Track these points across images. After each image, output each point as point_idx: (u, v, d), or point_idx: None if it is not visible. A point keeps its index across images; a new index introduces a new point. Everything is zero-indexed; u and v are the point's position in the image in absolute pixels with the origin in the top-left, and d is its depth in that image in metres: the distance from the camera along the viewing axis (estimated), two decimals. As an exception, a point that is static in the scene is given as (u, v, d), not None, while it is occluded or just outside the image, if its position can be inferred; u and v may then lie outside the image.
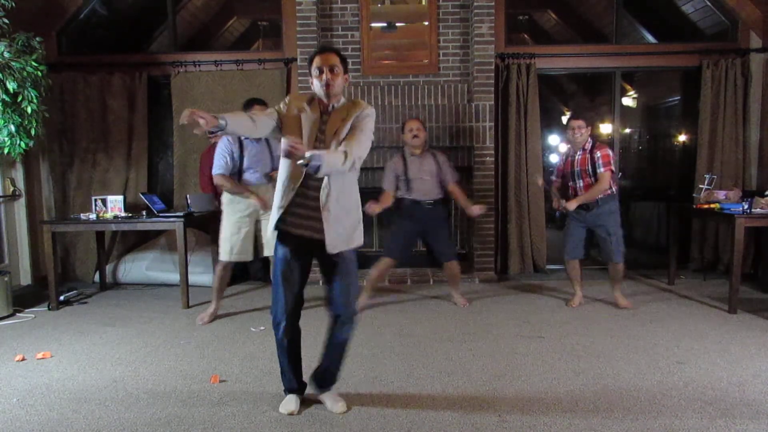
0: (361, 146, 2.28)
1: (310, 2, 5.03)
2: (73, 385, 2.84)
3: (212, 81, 5.35)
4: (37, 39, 4.33)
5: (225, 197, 3.92)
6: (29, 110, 4.24)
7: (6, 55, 4.07)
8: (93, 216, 4.49)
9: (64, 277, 5.29)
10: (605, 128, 6.32)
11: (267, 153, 3.90)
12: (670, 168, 6.72)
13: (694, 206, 4.52)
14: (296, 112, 2.35)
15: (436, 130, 5.11)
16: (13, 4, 4.11)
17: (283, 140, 2.14)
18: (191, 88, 5.34)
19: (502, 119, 5.35)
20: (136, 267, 5.21)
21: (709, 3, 5.49)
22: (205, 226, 5.15)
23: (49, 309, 4.34)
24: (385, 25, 5.39)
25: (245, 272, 5.20)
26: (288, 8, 5.33)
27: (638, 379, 2.81)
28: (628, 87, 6.92)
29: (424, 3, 5.35)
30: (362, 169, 2.46)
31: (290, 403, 2.51)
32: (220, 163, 3.82)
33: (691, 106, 5.66)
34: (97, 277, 5.21)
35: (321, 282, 4.78)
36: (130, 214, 4.56)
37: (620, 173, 5.48)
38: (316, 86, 2.34)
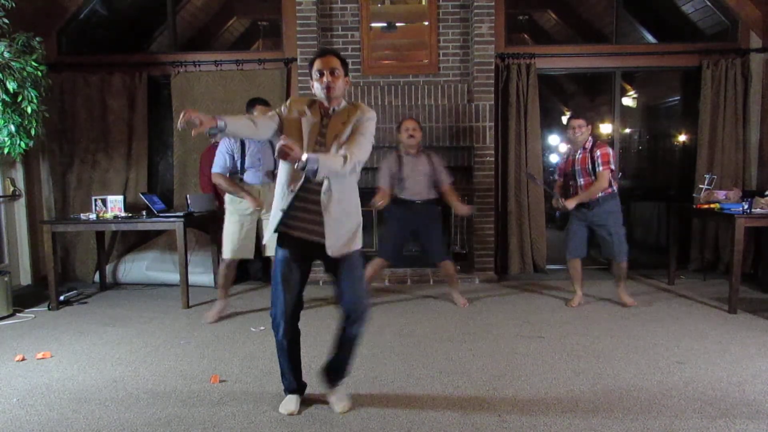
0: (362, 150, 2.28)
1: (310, 2, 5.04)
2: (73, 385, 2.84)
3: (212, 81, 5.36)
4: (37, 39, 4.33)
5: (227, 196, 3.95)
6: (29, 110, 4.24)
7: (6, 55, 4.07)
8: (93, 216, 4.49)
9: (64, 277, 5.29)
10: (605, 128, 6.32)
11: (269, 153, 3.90)
12: (670, 168, 6.72)
13: (694, 206, 4.52)
14: (297, 115, 2.35)
15: (436, 130, 5.10)
16: (13, 4, 4.11)
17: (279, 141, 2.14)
18: (191, 88, 5.35)
19: (502, 119, 5.35)
20: (136, 267, 5.21)
21: (709, 3, 5.49)
22: (205, 226, 5.15)
23: (49, 309, 4.34)
24: (385, 25, 5.39)
25: (245, 272, 5.20)
26: (288, 8, 5.34)
27: (638, 379, 2.81)
28: (628, 87, 6.92)
29: (424, 3, 5.35)
30: (362, 170, 2.47)
31: (290, 403, 2.51)
32: (219, 162, 3.87)
33: (691, 106, 5.66)
34: (97, 277, 5.20)
35: (321, 282, 4.73)
36: (130, 214, 4.56)
37: (620, 173, 5.47)
38: (317, 89, 2.34)
